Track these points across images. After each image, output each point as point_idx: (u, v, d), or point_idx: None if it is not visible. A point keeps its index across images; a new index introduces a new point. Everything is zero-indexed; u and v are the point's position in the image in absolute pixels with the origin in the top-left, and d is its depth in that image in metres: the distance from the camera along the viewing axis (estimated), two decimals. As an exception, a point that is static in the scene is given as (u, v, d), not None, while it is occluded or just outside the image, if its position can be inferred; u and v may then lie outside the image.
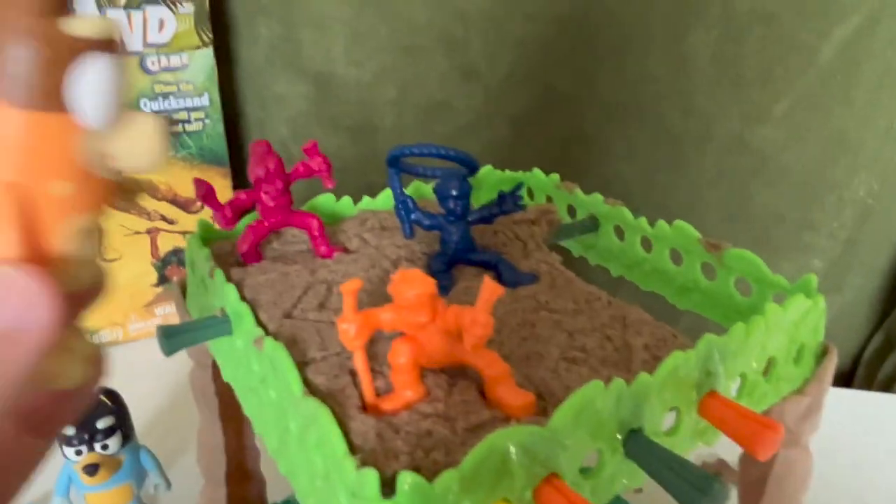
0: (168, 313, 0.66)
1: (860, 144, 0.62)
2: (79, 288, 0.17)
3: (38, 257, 0.16)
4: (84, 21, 0.15)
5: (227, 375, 0.28)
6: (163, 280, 0.65)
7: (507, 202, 0.30)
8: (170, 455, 0.49)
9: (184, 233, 0.67)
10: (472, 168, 0.30)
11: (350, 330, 0.21)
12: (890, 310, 0.67)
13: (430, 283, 0.21)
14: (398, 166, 0.31)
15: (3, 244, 0.15)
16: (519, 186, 0.31)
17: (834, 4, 0.57)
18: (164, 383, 0.55)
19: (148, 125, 0.16)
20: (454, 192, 0.29)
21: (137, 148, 0.16)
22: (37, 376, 0.17)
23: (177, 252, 0.67)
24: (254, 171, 0.28)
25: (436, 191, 0.30)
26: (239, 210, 0.29)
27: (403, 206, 0.30)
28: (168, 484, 0.45)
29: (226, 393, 0.38)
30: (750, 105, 0.62)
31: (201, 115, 0.63)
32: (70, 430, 0.39)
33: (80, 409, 0.21)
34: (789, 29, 0.59)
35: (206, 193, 0.28)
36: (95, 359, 0.18)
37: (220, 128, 0.65)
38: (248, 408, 0.26)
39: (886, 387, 0.63)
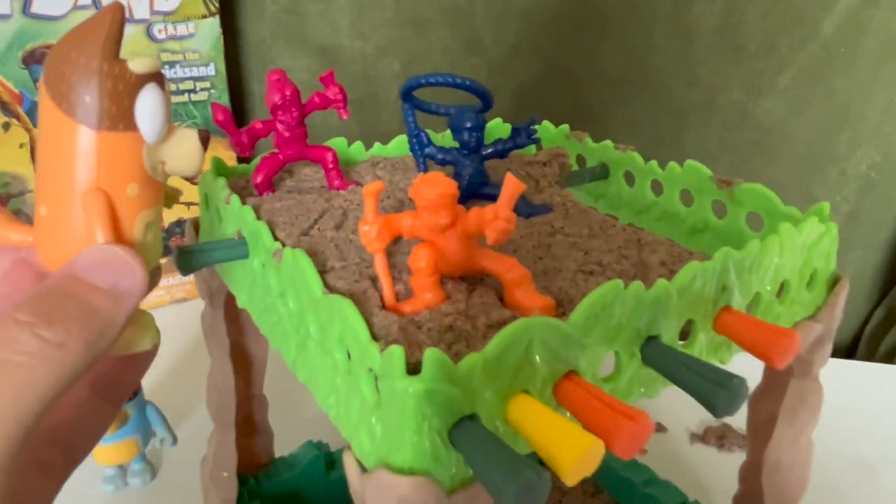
0: (172, 284, 0.66)
1: (862, 118, 0.63)
2: (150, 268, 0.21)
3: (123, 243, 0.20)
4: (142, 60, 0.19)
5: (242, 301, 0.28)
6: (167, 251, 0.65)
7: (521, 135, 0.30)
8: (175, 414, 0.49)
9: (189, 204, 0.67)
10: (487, 101, 0.30)
11: (371, 231, 0.22)
12: (892, 285, 0.67)
13: (452, 184, 0.21)
14: (412, 101, 0.31)
15: (100, 233, 0.20)
16: (533, 120, 0.31)
17: (837, -24, 0.58)
18: (170, 346, 0.55)
19: (191, 137, 0.21)
20: (469, 124, 0.29)
21: (183, 156, 0.21)
22: (119, 341, 0.20)
23: (181, 223, 0.67)
24: (270, 99, 0.29)
25: (450, 124, 0.30)
26: (255, 137, 0.29)
27: (417, 140, 0.31)
28: (174, 439, 0.45)
29: (236, 341, 0.38)
30: (753, 76, 0.62)
31: (207, 84, 0.63)
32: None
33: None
34: (792, 1, 0.59)
35: (224, 119, 0.28)
36: (155, 329, 0.22)
37: (226, 98, 0.65)
38: (265, 326, 0.26)
39: (888, 359, 0.63)
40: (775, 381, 0.30)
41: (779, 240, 0.25)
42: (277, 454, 0.43)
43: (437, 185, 0.21)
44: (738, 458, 0.44)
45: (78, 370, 0.18)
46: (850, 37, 0.60)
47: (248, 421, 0.41)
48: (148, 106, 0.19)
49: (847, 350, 0.69)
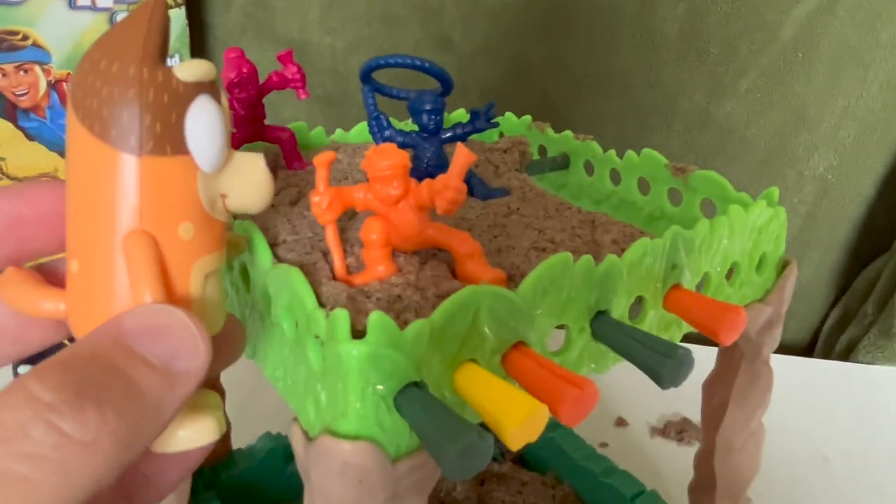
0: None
1: (819, 121, 0.65)
2: (212, 333, 0.16)
3: (177, 302, 0.15)
4: (191, 66, 0.15)
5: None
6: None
7: (480, 118, 0.30)
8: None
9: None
10: (446, 85, 0.30)
11: (322, 202, 0.21)
12: (848, 285, 0.69)
13: (403, 155, 0.21)
14: (372, 83, 0.31)
15: (148, 290, 0.15)
16: (492, 104, 0.31)
17: (795, -18, 0.59)
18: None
19: (257, 163, 0.17)
20: (428, 107, 0.29)
21: (248, 186, 0.17)
22: (169, 435, 0.16)
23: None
24: (226, 76, 0.28)
25: (409, 107, 0.30)
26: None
27: (377, 122, 0.30)
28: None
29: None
30: (715, 79, 0.63)
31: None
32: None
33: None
34: (753, 5, 0.61)
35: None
36: (221, 414, 0.17)
37: (191, 90, 0.64)
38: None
39: (844, 357, 0.65)
40: (727, 365, 0.31)
41: (728, 221, 0.25)
42: (235, 446, 0.42)
43: (389, 156, 0.21)
44: (696, 450, 0.45)
45: (102, 480, 0.13)
46: (808, 42, 0.61)
47: (205, 411, 0.40)
48: (202, 122, 0.15)
49: (805, 348, 0.71)
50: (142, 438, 0.13)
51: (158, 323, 0.14)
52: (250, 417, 0.44)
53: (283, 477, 0.41)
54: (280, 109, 0.70)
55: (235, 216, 0.23)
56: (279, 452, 0.41)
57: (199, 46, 0.68)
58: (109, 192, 0.15)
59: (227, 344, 0.18)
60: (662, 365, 0.20)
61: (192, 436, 0.16)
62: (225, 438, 0.42)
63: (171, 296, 0.15)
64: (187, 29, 0.62)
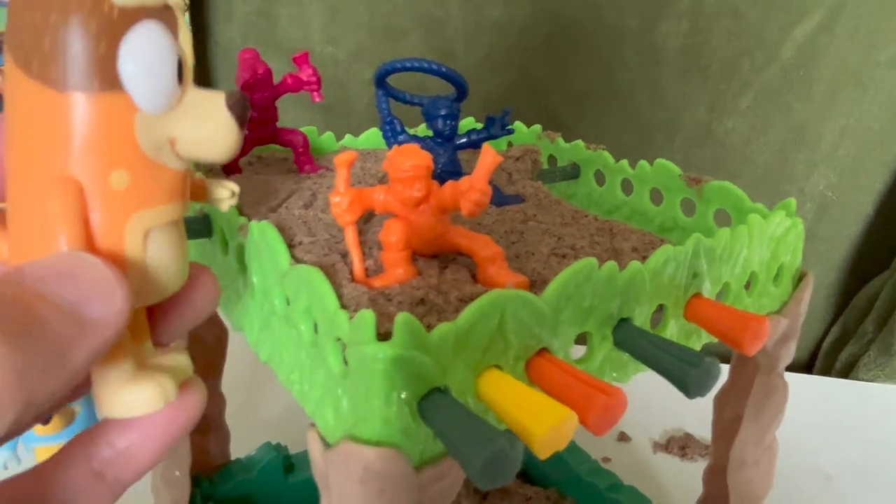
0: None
1: (819, 140, 0.65)
2: (153, 299, 0.15)
3: (102, 255, 0.14)
4: None
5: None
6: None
7: (494, 125, 0.30)
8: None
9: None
10: (462, 90, 0.30)
11: (342, 202, 0.21)
12: (847, 302, 0.69)
13: (426, 156, 0.21)
14: (386, 87, 0.30)
15: (63, 238, 0.13)
16: (507, 112, 0.31)
17: (795, 2, 0.60)
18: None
19: (215, 103, 0.14)
20: (444, 112, 0.29)
21: (203, 130, 0.14)
22: (114, 396, 0.14)
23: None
24: (241, 77, 0.28)
25: (424, 112, 0.30)
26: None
27: (390, 126, 0.30)
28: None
29: (193, 333, 0.37)
30: (716, 96, 0.64)
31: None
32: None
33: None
34: (754, 24, 0.61)
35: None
36: (163, 387, 0.15)
37: (192, 96, 0.63)
38: (226, 307, 0.25)
39: (843, 374, 0.65)
40: (741, 378, 0.30)
41: (748, 230, 0.25)
42: (234, 456, 0.41)
43: (412, 157, 0.21)
44: (700, 466, 0.44)
45: (6, 412, 0.11)
46: (808, 61, 0.62)
47: (204, 419, 0.39)
48: (140, 53, 0.13)
49: (805, 365, 0.71)
50: (46, 380, 0.12)
51: (64, 266, 0.13)
52: (250, 427, 0.43)
53: (282, 489, 0.40)
54: (281, 116, 0.70)
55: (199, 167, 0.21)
56: (278, 463, 0.40)
57: (200, 53, 0.67)
58: (36, 132, 0.13)
59: (193, 296, 0.17)
60: (689, 374, 0.19)
61: (133, 402, 0.14)
62: (223, 447, 0.41)
63: (97, 251, 0.14)
64: (190, 34, 0.61)
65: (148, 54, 0.13)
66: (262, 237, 0.22)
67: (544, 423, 0.17)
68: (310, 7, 0.66)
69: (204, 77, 0.69)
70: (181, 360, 0.16)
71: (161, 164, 0.14)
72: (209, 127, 0.14)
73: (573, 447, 0.43)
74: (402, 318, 0.16)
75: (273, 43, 0.68)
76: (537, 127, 0.40)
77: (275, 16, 0.67)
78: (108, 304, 0.13)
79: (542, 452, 0.17)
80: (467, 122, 0.40)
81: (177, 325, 0.17)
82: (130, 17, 0.13)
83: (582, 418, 0.18)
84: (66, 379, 0.13)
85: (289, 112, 0.70)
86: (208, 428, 0.39)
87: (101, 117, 0.13)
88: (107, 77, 0.13)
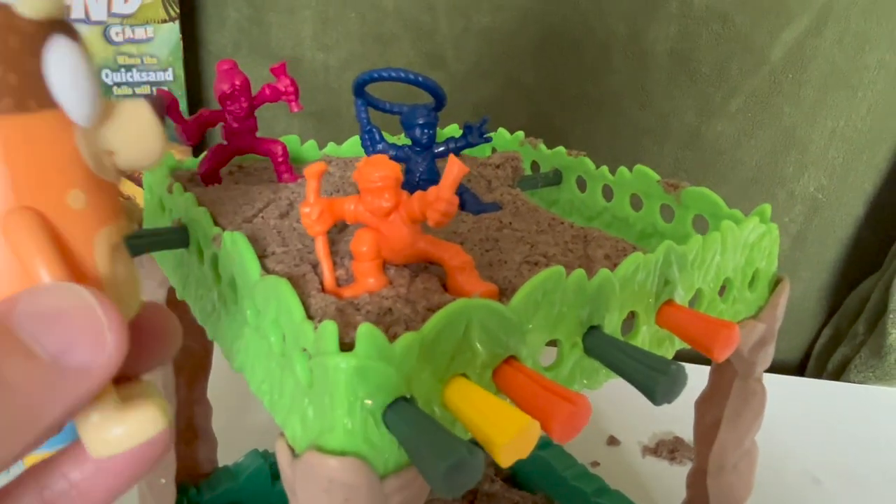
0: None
1: (808, 142, 0.65)
2: (128, 316, 0.14)
3: (86, 283, 0.13)
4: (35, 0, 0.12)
5: (179, 292, 0.27)
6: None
7: (473, 133, 0.30)
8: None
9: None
10: (440, 99, 0.30)
11: (312, 212, 0.21)
12: (838, 304, 0.69)
13: (395, 167, 0.21)
14: (365, 96, 0.31)
15: (43, 269, 0.13)
16: (485, 120, 0.31)
17: (783, 6, 0.60)
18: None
19: (141, 109, 0.14)
20: (421, 121, 0.29)
21: (136, 136, 0.14)
22: (96, 431, 0.14)
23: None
24: (219, 88, 0.28)
25: (402, 121, 0.30)
26: (202, 126, 0.28)
27: (369, 135, 0.30)
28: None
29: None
30: (705, 100, 0.64)
31: (165, 89, 0.62)
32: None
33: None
34: (742, 27, 0.61)
35: (169, 106, 0.27)
36: (162, 406, 0.14)
37: (184, 104, 0.64)
38: (202, 316, 0.25)
39: (836, 376, 0.65)
40: (720, 383, 0.31)
41: (720, 236, 0.25)
42: (221, 463, 0.41)
43: (381, 167, 0.21)
44: (688, 470, 0.44)
45: None
46: (797, 65, 0.62)
47: (190, 427, 0.39)
48: (66, 66, 0.13)
49: (796, 367, 0.71)
50: (13, 440, 0.11)
51: (53, 305, 0.12)
52: (236, 434, 0.43)
53: (270, 496, 0.41)
54: (273, 124, 0.70)
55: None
56: (266, 471, 0.41)
57: (192, 61, 0.68)
58: None
59: (153, 339, 0.16)
60: (656, 381, 0.20)
61: (132, 431, 0.14)
62: (210, 455, 0.41)
63: (78, 277, 0.13)
64: (181, 43, 0.62)
65: (72, 66, 0.13)
66: (234, 247, 0.22)
67: (506, 433, 0.17)
68: (301, 15, 0.66)
69: (196, 85, 0.69)
70: (148, 385, 0.15)
71: (104, 179, 0.14)
72: (140, 132, 0.14)
73: (561, 452, 0.43)
74: (364, 329, 0.17)
75: (265, 50, 0.68)
76: (520, 133, 0.40)
77: (266, 23, 0.67)
78: (98, 351, 0.12)
79: (505, 461, 0.17)
80: (450, 130, 0.40)
81: (137, 366, 0.16)
82: (45, 29, 0.13)
83: (546, 426, 0.18)
84: (44, 433, 0.12)
85: (280, 120, 0.70)
86: (195, 435, 0.39)
87: (46, 137, 0.13)
88: (40, 95, 0.13)
